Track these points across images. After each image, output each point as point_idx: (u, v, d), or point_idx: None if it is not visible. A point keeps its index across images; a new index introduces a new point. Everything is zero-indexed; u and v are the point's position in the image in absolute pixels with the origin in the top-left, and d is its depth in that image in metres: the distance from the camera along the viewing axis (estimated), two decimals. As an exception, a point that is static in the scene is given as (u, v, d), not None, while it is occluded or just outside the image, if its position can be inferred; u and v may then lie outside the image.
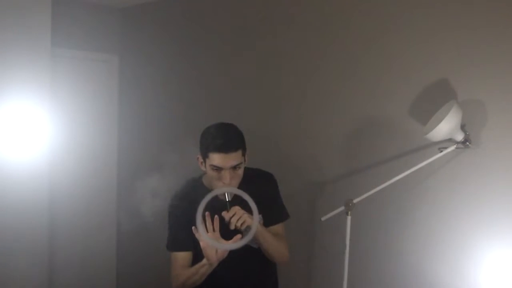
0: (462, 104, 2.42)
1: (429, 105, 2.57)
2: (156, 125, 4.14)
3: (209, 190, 1.98)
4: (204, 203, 1.78)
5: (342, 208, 2.62)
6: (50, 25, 3.60)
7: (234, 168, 2.06)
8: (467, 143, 2.42)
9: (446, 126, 2.31)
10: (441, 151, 2.46)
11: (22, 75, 3.46)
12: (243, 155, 2.13)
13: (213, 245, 1.94)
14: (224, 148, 2.02)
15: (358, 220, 2.76)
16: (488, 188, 2.41)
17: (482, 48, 2.43)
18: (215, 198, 1.94)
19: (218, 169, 2.05)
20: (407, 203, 2.70)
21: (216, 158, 2.03)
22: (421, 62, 2.65)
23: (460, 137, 2.41)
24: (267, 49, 3.39)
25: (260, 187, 2.21)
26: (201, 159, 2.14)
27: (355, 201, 2.60)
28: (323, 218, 2.66)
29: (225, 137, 2.05)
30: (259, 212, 2.02)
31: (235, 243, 1.87)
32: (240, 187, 2.10)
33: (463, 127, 2.41)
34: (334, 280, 2.72)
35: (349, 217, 2.60)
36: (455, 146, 2.44)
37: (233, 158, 2.04)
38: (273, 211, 2.29)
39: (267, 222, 2.26)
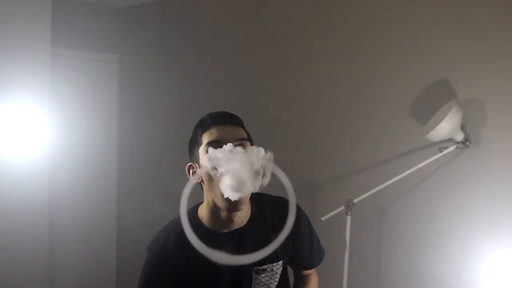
0: (462, 104, 2.42)
1: (429, 105, 2.57)
2: (156, 125, 4.13)
3: (206, 228, 1.53)
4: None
5: (342, 208, 2.62)
6: (50, 25, 3.60)
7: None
8: (467, 143, 2.42)
9: (446, 126, 2.31)
10: (441, 151, 2.47)
11: (22, 75, 3.46)
12: (249, 140, 1.58)
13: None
14: (222, 120, 1.52)
15: (358, 220, 2.76)
16: (488, 188, 2.41)
17: (482, 48, 2.43)
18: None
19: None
20: (407, 203, 2.70)
21: (213, 132, 1.49)
22: (421, 62, 2.65)
23: (460, 137, 2.41)
24: (267, 49, 3.39)
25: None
26: (193, 166, 1.54)
27: (355, 201, 2.60)
28: (323, 218, 2.66)
29: (221, 112, 1.57)
30: (289, 256, 1.65)
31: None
32: (260, 219, 1.59)
33: (463, 127, 2.41)
34: (334, 280, 2.72)
35: (349, 217, 2.61)
36: (455, 146, 2.44)
37: (236, 131, 1.52)
38: (311, 253, 1.72)
39: (302, 266, 1.77)
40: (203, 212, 1.56)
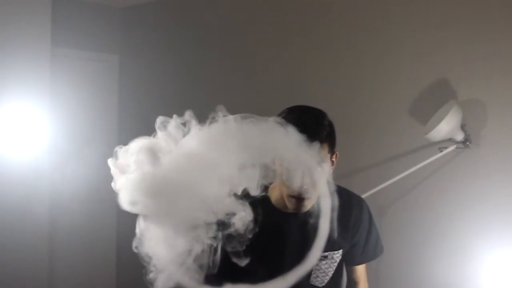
0: (462, 104, 2.42)
1: (429, 105, 2.57)
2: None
3: (277, 210, 1.55)
4: None
5: (342, 208, 2.62)
6: (50, 25, 3.60)
7: None
8: (467, 143, 2.42)
9: (446, 126, 2.31)
10: (441, 151, 2.46)
11: (22, 75, 3.46)
12: (329, 153, 1.49)
13: None
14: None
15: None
16: (488, 188, 2.41)
17: (482, 48, 2.43)
18: (277, 211, 1.54)
19: None
20: (407, 203, 2.70)
21: None
22: (421, 62, 2.65)
23: (460, 137, 2.41)
24: (267, 48, 3.38)
25: (353, 214, 1.65)
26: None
27: (355, 201, 2.60)
28: (323, 218, 2.66)
29: (303, 120, 1.43)
30: (347, 247, 1.64)
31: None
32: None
33: (463, 127, 2.41)
34: (334, 280, 2.72)
35: (349, 217, 2.60)
36: (455, 146, 2.44)
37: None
38: (365, 247, 1.71)
39: (356, 259, 1.73)
40: (273, 190, 1.57)
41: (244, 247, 1.36)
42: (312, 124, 1.47)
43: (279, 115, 1.52)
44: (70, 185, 4.12)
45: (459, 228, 2.50)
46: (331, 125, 1.53)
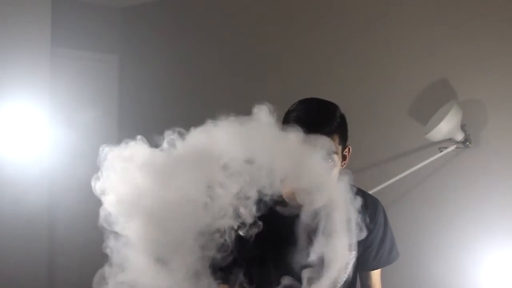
0: (462, 104, 2.42)
1: (429, 105, 2.57)
2: (156, 125, 4.13)
3: (288, 205, 1.47)
4: None
5: (342, 208, 2.62)
6: (50, 25, 3.60)
7: None
8: (467, 143, 2.42)
9: (446, 126, 2.31)
10: (441, 151, 2.47)
11: (22, 75, 3.46)
12: (340, 145, 1.47)
13: None
14: (310, 127, 1.34)
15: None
16: (488, 188, 2.41)
17: (482, 48, 2.43)
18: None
19: None
20: (407, 203, 2.70)
21: None
22: (421, 62, 2.65)
23: (460, 137, 2.41)
24: (266, 49, 3.38)
25: (367, 214, 1.53)
26: None
27: (355, 201, 2.60)
28: (323, 218, 2.66)
29: (311, 114, 1.43)
30: (360, 250, 1.55)
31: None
32: None
33: (463, 127, 2.41)
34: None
35: (349, 217, 2.61)
36: (455, 146, 2.44)
37: (325, 142, 1.36)
38: (380, 250, 1.64)
39: (369, 264, 1.63)
40: (285, 184, 1.45)
41: (257, 246, 1.38)
42: (322, 113, 1.47)
43: (291, 106, 1.49)
44: (70, 185, 4.12)
45: (459, 228, 2.50)
46: (342, 117, 1.52)
